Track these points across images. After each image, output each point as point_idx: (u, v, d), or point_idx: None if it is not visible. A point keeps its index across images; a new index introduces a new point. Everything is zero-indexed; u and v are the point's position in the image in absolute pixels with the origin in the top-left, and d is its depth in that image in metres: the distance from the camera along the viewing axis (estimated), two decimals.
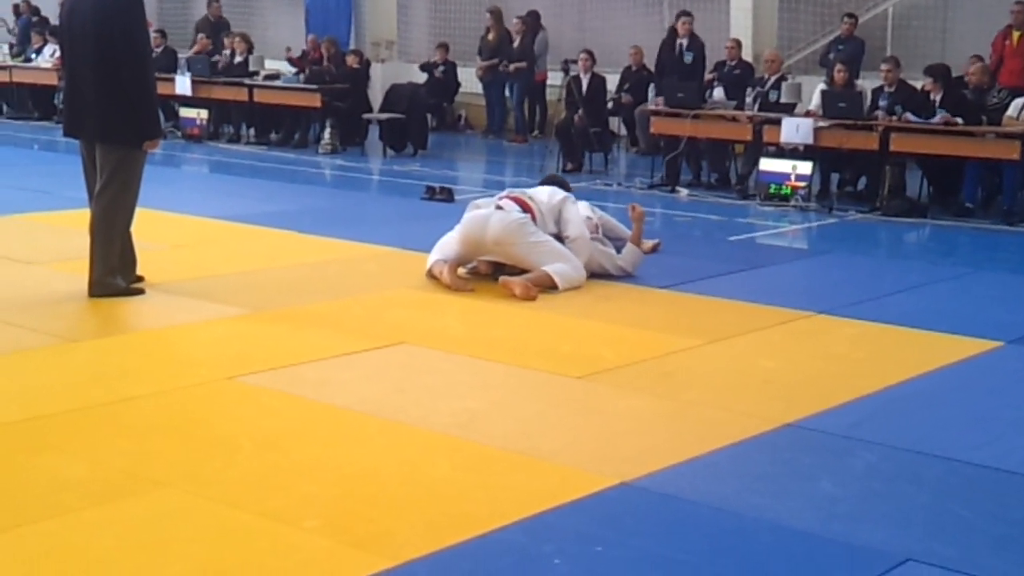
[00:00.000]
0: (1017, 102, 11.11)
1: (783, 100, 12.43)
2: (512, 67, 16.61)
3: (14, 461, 4.68)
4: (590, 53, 14.46)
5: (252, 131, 16.59)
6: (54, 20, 19.19)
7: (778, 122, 11.80)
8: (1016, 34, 13.08)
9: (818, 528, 4.15)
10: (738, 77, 13.58)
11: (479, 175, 14.58)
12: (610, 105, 15.15)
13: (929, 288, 8.14)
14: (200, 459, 4.71)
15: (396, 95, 15.74)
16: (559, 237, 7.88)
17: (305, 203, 11.32)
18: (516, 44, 16.73)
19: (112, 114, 7.06)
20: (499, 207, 7.83)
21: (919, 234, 10.64)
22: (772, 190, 11.67)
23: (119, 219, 7.25)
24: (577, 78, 14.22)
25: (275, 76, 16.53)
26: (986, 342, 6.59)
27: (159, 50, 16.46)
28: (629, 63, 15.48)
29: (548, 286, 7.52)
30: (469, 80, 17.73)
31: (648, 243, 8.72)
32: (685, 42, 14.50)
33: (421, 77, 17.61)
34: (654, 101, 13.54)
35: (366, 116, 15.79)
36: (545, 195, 8.12)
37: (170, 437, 4.95)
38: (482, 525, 4.10)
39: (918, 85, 11.88)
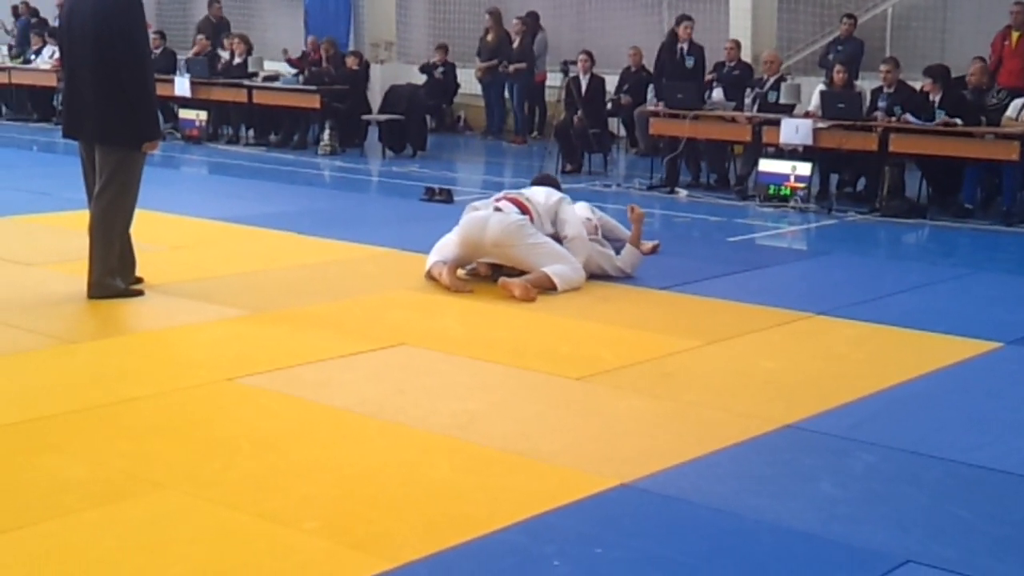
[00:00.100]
0: (1016, 103, 11.12)
1: (782, 101, 12.43)
2: (512, 68, 16.61)
3: (14, 462, 4.68)
4: (589, 54, 14.46)
5: (251, 132, 16.60)
6: (53, 22, 19.23)
7: (777, 123, 11.80)
8: (1015, 35, 13.09)
9: (818, 529, 4.15)
10: (737, 78, 13.58)
11: (478, 176, 14.58)
12: (609, 106, 15.15)
13: (929, 289, 8.14)
14: (200, 460, 4.70)
15: (395, 96, 15.74)
16: (556, 238, 7.89)
17: (304, 204, 11.32)
18: (516, 45, 16.74)
19: (111, 115, 7.06)
20: (498, 209, 7.83)
21: (918, 235, 10.64)
22: (771, 191, 11.67)
23: (118, 220, 7.25)
24: (576, 79, 14.22)
25: (274, 77, 16.54)
26: (985, 343, 6.58)
27: (158, 51, 16.47)
28: (628, 64, 15.49)
29: (547, 287, 7.52)
30: (468, 81, 17.73)
31: (647, 244, 8.72)
32: (686, 46, 14.51)
33: (420, 78, 17.61)
34: (653, 102, 13.53)
35: (365, 117, 15.79)
36: (542, 196, 8.13)
37: (170, 438, 4.95)
38: (482, 526, 4.10)
39: (917, 86, 11.88)
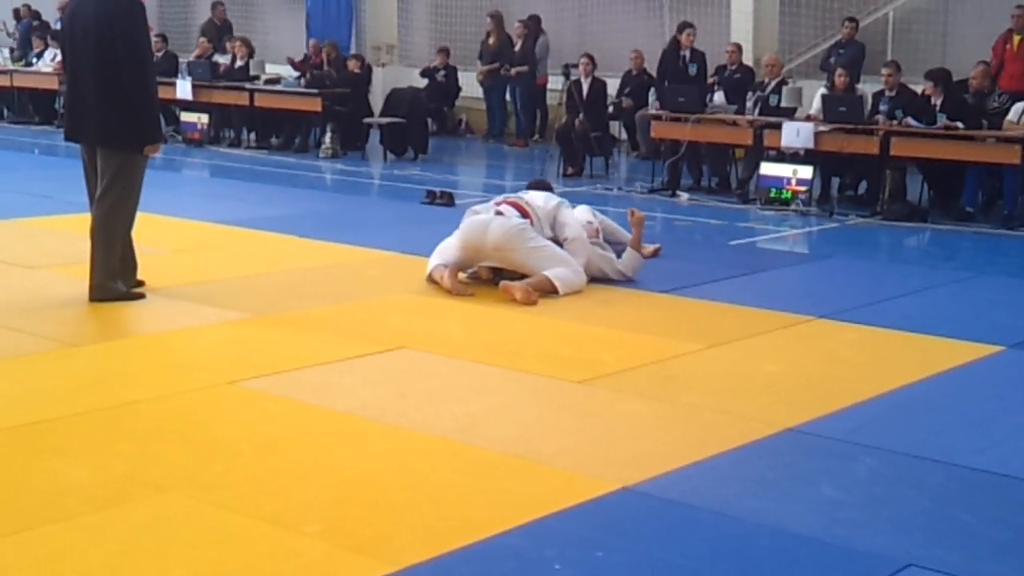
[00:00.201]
0: (1017, 106, 11.11)
1: (784, 104, 12.43)
2: (513, 71, 16.62)
3: (15, 465, 4.68)
4: (591, 57, 14.46)
5: (253, 135, 16.61)
6: (55, 24, 19.24)
7: (779, 126, 11.81)
8: (1016, 38, 13.09)
9: (819, 533, 4.14)
10: (739, 81, 13.58)
11: (480, 179, 14.58)
12: (611, 109, 15.14)
13: (930, 292, 8.14)
14: (201, 463, 4.70)
15: (397, 99, 15.76)
16: (556, 242, 7.90)
17: (306, 207, 11.32)
18: (517, 48, 16.74)
19: (113, 118, 7.06)
20: (499, 212, 7.83)
21: (920, 238, 10.64)
22: (773, 194, 11.67)
23: (120, 223, 7.25)
24: (578, 82, 14.22)
25: (276, 80, 16.54)
26: (987, 346, 6.58)
27: (160, 54, 16.47)
28: (630, 67, 15.48)
29: (548, 290, 7.52)
30: (469, 84, 17.74)
31: (649, 248, 8.72)
32: (688, 54, 14.52)
33: (422, 81, 17.62)
34: (654, 105, 13.54)
35: (367, 120, 15.80)
36: (541, 200, 8.15)
37: (171, 441, 4.95)
38: (483, 530, 4.09)
39: (919, 89, 11.88)
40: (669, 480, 4.59)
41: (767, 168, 11.86)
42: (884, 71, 12.10)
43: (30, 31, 20.55)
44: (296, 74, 16.66)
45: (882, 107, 11.75)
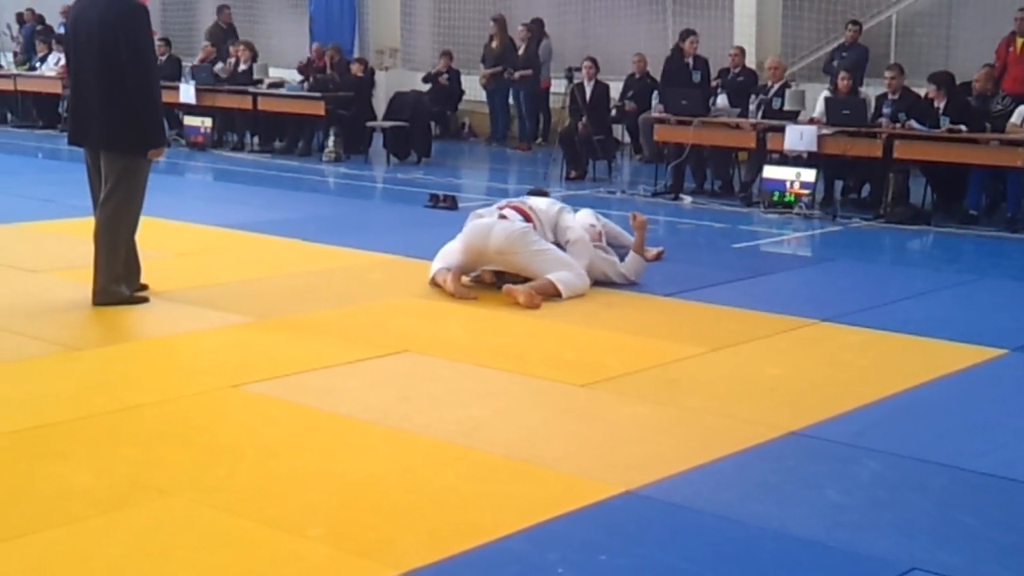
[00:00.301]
0: (1021, 109, 11.10)
1: (787, 107, 12.43)
2: (517, 75, 16.62)
3: (19, 469, 4.68)
4: (594, 61, 14.46)
5: (256, 139, 16.62)
6: (58, 29, 19.26)
7: (782, 129, 11.80)
8: (1020, 41, 13.08)
9: (823, 536, 4.14)
10: (742, 84, 13.59)
11: (483, 183, 14.59)
12: (614, 113, 15.14)
13: (933, 295, 8.13)
14: (204, 467, 4.71)
15: (400, 103, 15.76)
16: (558, 245, 7.91)
17: (309, 211, 11.33)
18: (521, 52, 16.75)
19: (117, 122, 7.07)
20: (502, 216, 7.84)
21: (923, 241, 10.63)
22: (776, 197, 11.66)
23: (123, 227, 7.26)
24: (581, 86, 14.22)
25: (279, 84, 16.55)
26: (991, 350, 6.57)
27: (163, 58, 16.50)
28: (632, 71, 15.49)
29: (552, 294, 7.52)
30: (473, 88, 17.74)
31: (652, 251, 8.72)
32: (691, 61, 14.50)
33: (425, 85, 17.62)
34: (657, 109, 13.54)
35: (370, 124, 15.81)
36: (544, 204, 8.21)
37: (174, 445, 4.95)
38: (486, 534, 4.09)
39: (922, 92, 11.87)
40: (672, 484, 4.59)
41: (770, 171, 11.85)
42: (887, 74, 12.09)
43: (34, 35, 20.59)
44: (299, 78, 16.67)
45: (885, 110, 11.74)
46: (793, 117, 12.22)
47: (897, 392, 5.81)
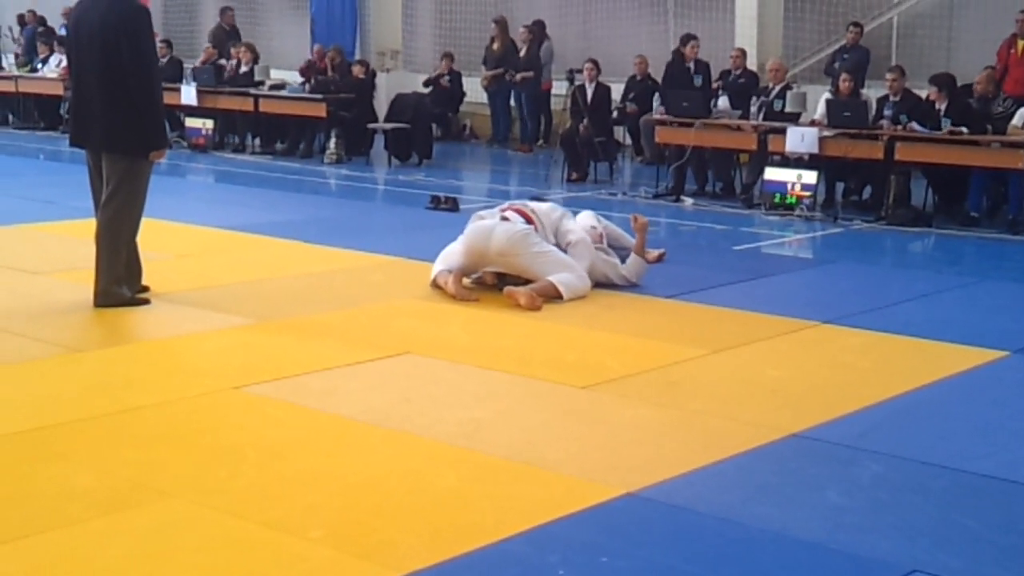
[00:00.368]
0: (1022, 111, 11.10)
1: (788, 109, 12.42)
2: (518, 77, 16.63)
3: (20, 471, 4.68)
4: (595, 62, 14.46)
5: (257, 141, 16.62)
6: (60, 30, 19.29)
7: (783, 131, 11.80)
8: (1021, 43, 13.08)
9: (824, 538, 4.14)
10: (743, 86, 13.59)
11: (484, 184, 14.59)
12: (615, 114, 15.15)
13: (935, 297, 8.13)
14: (205, 469, 4.71)
15: (401, 105, 15.76)
16: (560, 247, 7.91)
17: (310, 213, 11.33)
18: (522, 53, 16.75)
19: (118, 124, 7.07)
20: (504, 218, 7.86)
21: (924, 243, 10.63)
22: (777, 199, 11.66)
23: (125, 229, 7.26)
24: (582, 87, 14.22)
25: (280, 86, 16.56)
26: (992, 352, 6.57)
27: (164, 60, 16.51)
28: (634, 72, 15.49)
29: (553, 296, 7.53)
30: (474, 90, 17.75)
31: (653, 253, 8.73)
32: (692, 66, 14.49)
33: (426, 89, 17.61)
34: (659, 110, 13.54)
35: (371, 126, 15.81)
36: (546, 208, 8.25)
37: (176, 447, 4.96)
38: (487, 535, 4.10)
39: (923, 94, 11.87)
40: (674, 486, 4.59)
41: (771, 173, 11.85)
42: (888, 76, 12.10)
43: (35, 37, 20.60)
44: (301, 79, 16.67)
45: (886, 112, 11.74)
46: (794, 119, 12.21)
47: (898, 394, 5.81)
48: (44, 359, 6.24)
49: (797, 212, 11.44)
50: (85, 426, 5.19)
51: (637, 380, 5.99)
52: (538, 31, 16.90)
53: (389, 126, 15.52)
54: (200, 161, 15.70)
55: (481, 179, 15.21)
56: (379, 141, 15.81)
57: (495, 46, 17.18)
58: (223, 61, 17.23)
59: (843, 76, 12.39)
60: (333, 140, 15.39)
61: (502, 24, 17.25)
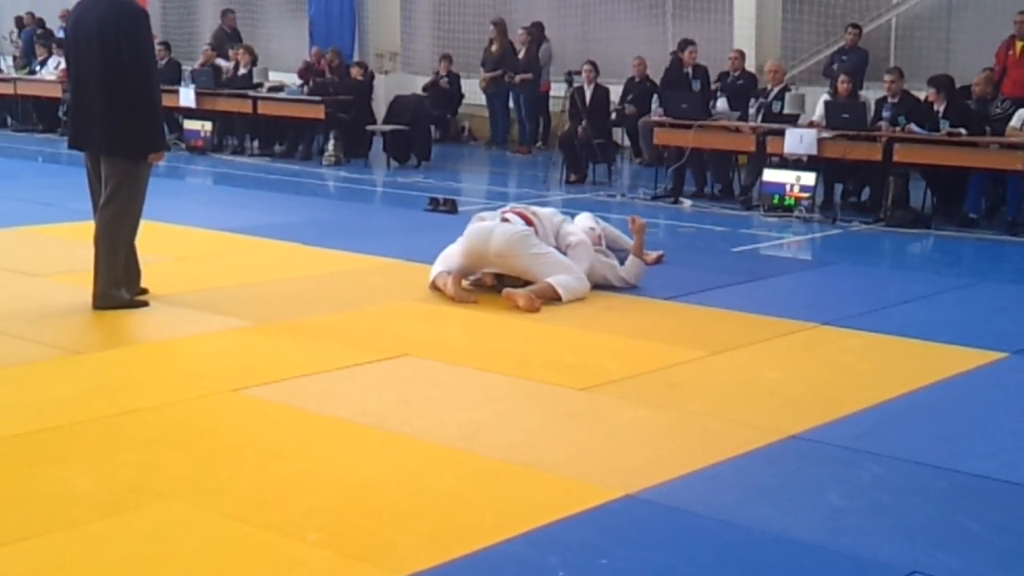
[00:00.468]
0: (1021, 112, 11.10)
1: (786, 111, 12.42)
2: (517, 78, 16.63)
3: (20, 473, 4.68)
4: (593, 64, 14.46)
5: (256, 143, 16.62)
6: (58, 32, 19.28)
7: (781, 133, 11.80)
8: (1019, 44, 13.07)
9: (824, 540, 4.14)
10: (741, 88, 13.60)
11: (483, 186, 14.59)
12: (613, 116, 15.15)
13: (934, 299, 8.13)
14: (204, 471, 4.71)
15: (400, 106, 15.77)
16: (560, 250, 7.91)
17: (309, 215, 11.33)
18: (521, 55, 16.76)
19: (117, 126, 7.07)
20: (505, 220, 7.86)
21: (923, 245, 10.64)
22: (775, 201, 11.67)
23: (123, 231, 7.26)
24: (580, 89, 14.23)
25: (279, 88, 16.57)
26: (991, 353, 6.57)
27: (163, 62, 16.50)
28: (632, 74, 15.50)
29: (551, 298, 7.52)
30: (472, 92, 17.75)
31: (651, 255, 8.73)
32: (691, 71, 14.49)
33: (425, 94, 17.61)
34: (657, 112, 13.54)
35: (370, 128, 15.82)
36: (548, 211, 8.28)
37: (175, 449, 4.95)
38: (486, 537, 4.09)
39: (922, 95, 11.88)
40: (673, 487, 4.59)
41: (770, 174, 11.85)
42: (887, 77, 12.10)
43: (33, 39, 20.59)
44: (299, 81, 16.68)
45: (885, 113, 11.75)
46: (793, 120, 12.21)
47: (897, 396, 5.81)
48: (43, 361, 6.24)
49: (796, 213, 11.44)
50: (84, 428, 5.19)
51: (636, 382, 5.99)
52: (537, 33, 16.90)
53: (387, 128, 15.52)
54: (198, 163, 15.70)
55: (480, 181, 15.21)
56: (377, 143, 15.82)
57: (494, 48, 17.18)
58: (221, 62, 17.20)
59: (841, 78, 12.39)
60: (331, 142, 15.39)
61: (501, 26, 17.25)
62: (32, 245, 9.39)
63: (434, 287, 7.80)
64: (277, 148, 16.40)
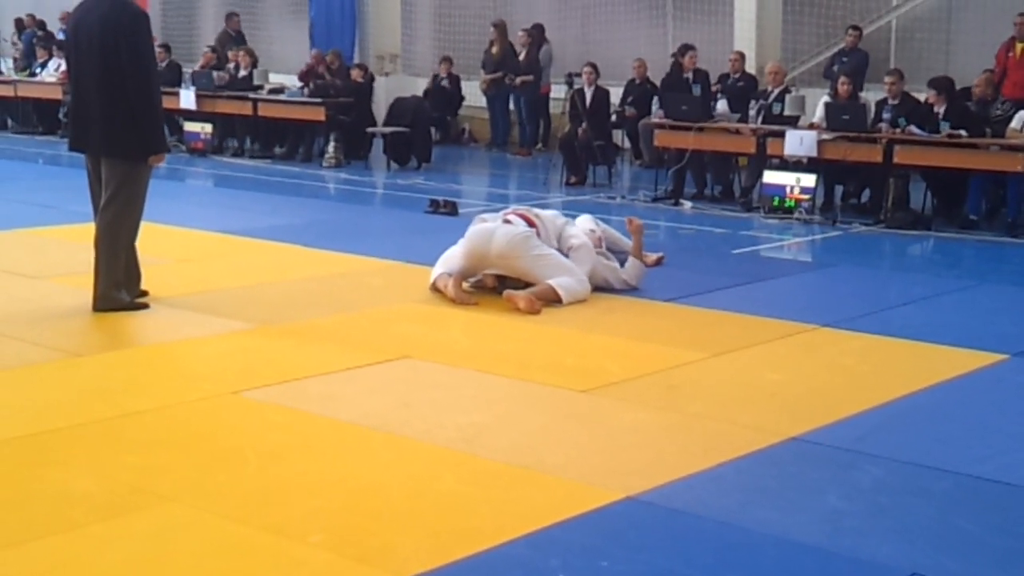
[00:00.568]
0: (1021, 114, 11.10)
1: (787, 112, 12.42)
2: (518, 80, 16.64)
3: (20, 476, 4.69)
4: (594, 66, 14.46)
5: (256, 145, 16.62)
6: (58, 34, 19.28)
7: (782, 135, 11.80)
8: (1019, 46, 13.08)
9: (824, 542, 4.14)
10: (741, 90, 13.60)
11: (483, 188, 14.59)
12: (614, 118, 15.15)
13: (933, 301, 8.14)
14: (205, 474, 4.71)
15: (400, 108, 15.77)
16: (562, 252, 7.92)
17: (309, 217, 11.33)
18: (521, 57, 16.76)
19: (117, 129, 7.08)
20: (506, 221, 7.87)
21: (923, 246, 10.64)
22: (776, 203, 11.67)
23: (124, 233, 7.26)
24: (581, 91, 14.23)
25: (279, 90, 16.57)
26: (991, 355, 6.57)
27: (163, 65, 16.50)
28: (633, 76, 15.50)
29: (552, 299, 7.53)
30: (473, 93, 17.76)
31: (651, 256, 8.74)
32: (691, 75, 14.50)
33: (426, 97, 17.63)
34: (657, 114, 13.54)
35: (370, 130, 15.82)
36: (550, 213, 8.28)
37: (175, 452, 4.96)
38: (487, 540, 4.10)
39: (922, 97, 11.88)
40: (673, 489, 4.59)
41: (770, 176, 11.86)
42: (887, 79, 12.10)
43: (34, 41, 20.59)
44: (300, 83, 16.68)
45: (885, 115, 11.75)
46: (793, 122, 12.22)
47: (897, 397, 5.81)
48: (43, 364, 6.24)
49: (796, 215, 11.45)
50: (85, 431, 5.19)
51: (637, 384, 5.99)
52: (537, 35, 16.91)
53: (388, 130, 15.52)
54: (199, 165, 15.71)
55: (480, 183, 15.21)
56: (378, 145, 15.82)
57: (494, 50, 17.19)
58: (216, 74, 17.11)
59: (842, 79, 12.40)
60: (332, 144, 15.40)
61: (501, 28, 17.25)
62: (32, 247, 9.39)
63: (435, 289, 7.80)
64: (277, 150, 16.40)
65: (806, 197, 11.52)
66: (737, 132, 12.54)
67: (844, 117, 11.65)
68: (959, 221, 11.21)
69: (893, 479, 4.75)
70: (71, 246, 8.94)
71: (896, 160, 11.20)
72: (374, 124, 15.97)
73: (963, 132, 10.97)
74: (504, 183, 14.93)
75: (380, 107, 16.64)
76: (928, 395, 5.90)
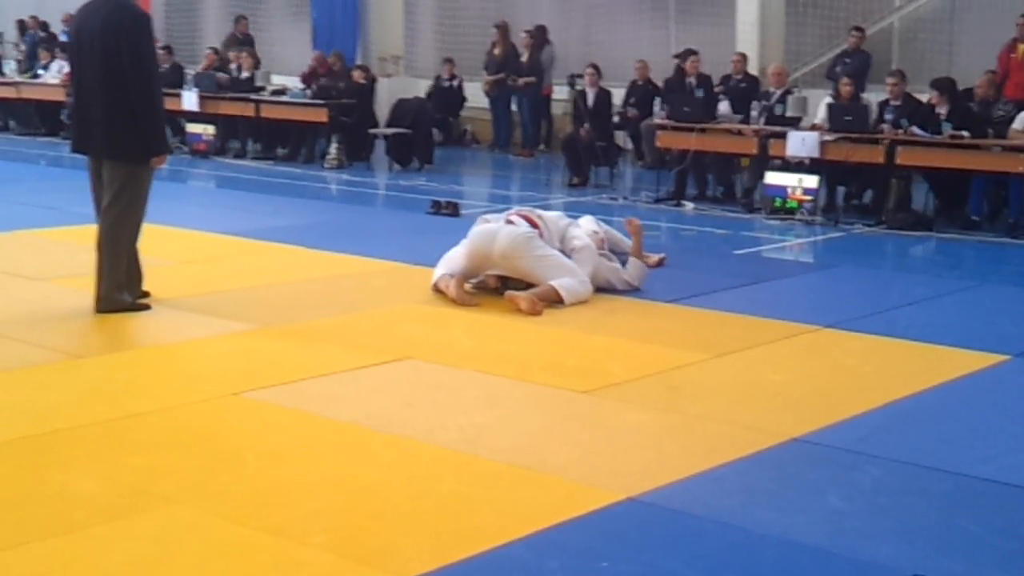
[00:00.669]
0: (1023, 115, 11.10)
1: (789, 113, 12.42)
2: (521, 81, 16.64)
3: (22, 477, 4.69)
4: (596, 67, 14.46)
5: (259, 146, 16.64)
6: (61, 36, 19.30)
7: (784, 135, 11.80)
8: (1022, 47, 13.08)
9: (825, 543, 4.14)
10: (744, 91, 13.59)
11: (485, 190, 14.59)
12: (616, 119, 15.14)
13: (935, 301, 8.14)
14: (207, 475, 4.71)
15: (402, 110, 15.78)
16: (564, 254, 7.92)
17: (311, 218, 11.34)
18: (524, 58, 16.77)
19: (119, 130, 7.08)
20: (509, 222, 7.88)
21: (925, 247, 10.64)
22: (778, 204, 11.67)
23: (126, 235, 7.27)
24: (583, 92, 14.23)
25: (281, 91, 16.58)
26: (993, 356, 6.57)
27: (166, 66, 16.51)
28: (635, 77, 15.50)
29: (554, 300, 7.53)
30: (475, 95, 17.77)
31: (653, 257, 8.74)
32: (694, 80, 14.52)
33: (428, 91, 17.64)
34: (660, 115, 13.55)
35: (372, 131, 15.83)
36: (553, 215, 8.29)
37: (177, 453, 4.96)
38: (488, 540, 4.10)
39: (924, 98, 11.88)
40: (674, 490, 4.59)
41: (772, 177, 11.86)
42: (889, 80, 12.10)
43: (37, 43, 20.61)
44: (302, 85, 16.69)
45: (887, 116, 11.74)
46: (795, 123, 12.22)
47: (899, 398, 5.81)
48: (45, 365, 6.25)
49: (798, 216, 11.45)
50: (87, 432, 5.19)
51: (638, 385, 5.99)
52: (540, 36, 16.92)
53: (390, 131, 15.53)
54: (201, 167, 15.72)
55: (482, 184, 15.21)
56: (380, 146, 15.83)
57: (496, 51, 17.20)
58: (220, 75, 17.12)
59: (844, 80, 12.40)
60: (334, 145, 15.41)
61: (503, 29, 17.26)
62: (34, 249, 9.40)
63: (436, 290, 7.80)
64: (280, 151, 16.41)
65: (808, 198, 11.52)
66: (739, 133, 12.54)
67: (846, 118, 11.66)
68: (961, 222, 11.21)
69: (894, 480, 4.75)
70: (73, 248, 8.95)
71: (898, 161, 11.20)
72: (376, 125, 15.98)
73: (965, 133, 10.97)
74: (506, 184, 14.93)
75: (382, 108, 16.66)
76: (930, 396, 5.90)
